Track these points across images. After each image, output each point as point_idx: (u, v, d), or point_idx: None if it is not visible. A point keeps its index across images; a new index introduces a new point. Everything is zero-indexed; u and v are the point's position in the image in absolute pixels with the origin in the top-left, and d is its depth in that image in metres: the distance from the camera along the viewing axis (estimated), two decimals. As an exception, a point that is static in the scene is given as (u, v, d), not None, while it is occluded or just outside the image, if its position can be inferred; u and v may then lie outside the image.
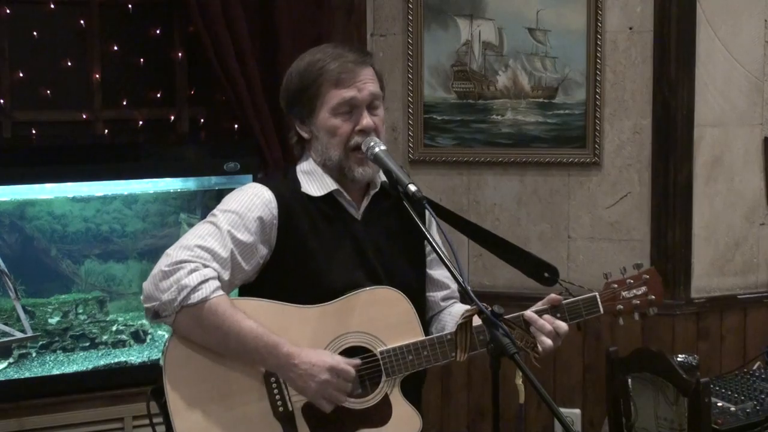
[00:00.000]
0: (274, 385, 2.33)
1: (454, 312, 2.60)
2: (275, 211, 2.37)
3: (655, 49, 3.70)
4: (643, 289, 2.51)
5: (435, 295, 2.61)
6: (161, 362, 2.32)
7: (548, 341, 2.38)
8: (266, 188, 2.40)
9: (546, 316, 2.41)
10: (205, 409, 2.29)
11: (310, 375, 2.27)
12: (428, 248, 2.58)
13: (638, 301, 2.51)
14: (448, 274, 2.59)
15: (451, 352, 2.38)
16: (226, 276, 2.31)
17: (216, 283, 2.27)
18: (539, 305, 2.46)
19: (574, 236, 3.85)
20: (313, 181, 2.45)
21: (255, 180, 2.48)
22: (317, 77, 2.39)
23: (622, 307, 2.50)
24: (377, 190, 2.50)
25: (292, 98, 2.45)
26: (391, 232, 2.50)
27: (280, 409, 2.32)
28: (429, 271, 2.59)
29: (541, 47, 3.80)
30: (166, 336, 2.36)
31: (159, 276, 2.26)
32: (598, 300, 2.49)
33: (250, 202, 2.37)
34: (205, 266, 2.27)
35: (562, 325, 2.41)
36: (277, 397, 2.32)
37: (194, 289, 2.24)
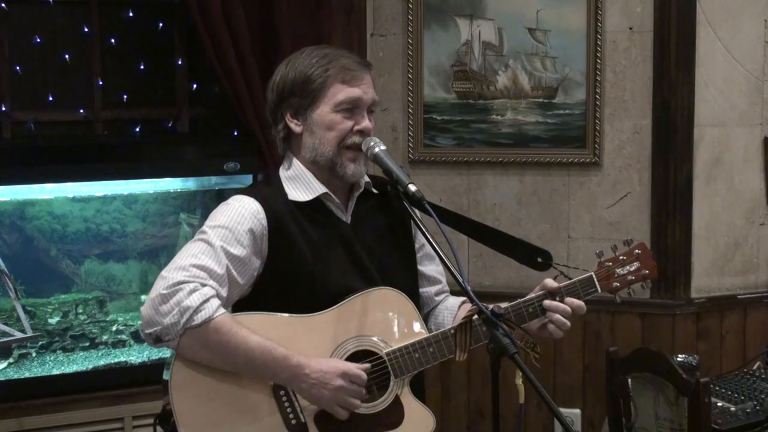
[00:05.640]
0: (284, 398, 2.30)
1: (449, 305, 2.61)
2: (264, 222, 2.34)
3: (655, 49, 3.70)
4: (636, 264, 2.52)
5: (428, 291, 2.61)
6: (165, 378, 2.27)
7: (567, 323, 2.41)
8: (252, 199, 2.36)
9: (568, 299, 2.42)
10: (217, 430, 2.26)
11: (323, 383, 2.26)
12: (417, 245, 2.58)
13: (633, 277, 2.51)
14: (439, 268, 2.62)
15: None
16: (224, 293, 2.28)
17: (217, 302, 2.24)
18: (536, 292, 2.46)
19: (574, 236, 3.84)
20: (299, 186, 2.41)
21: (240, 192, 2.43)
22: (326, 70, 2.37)
23: (618, 284, 2.51)
24: (361, 190, 2.48)
25: (291, 89, 2.39)
26: (380, 232, 2.49)
27: (293, 421, 2.30)
28: (420, 268, 2.59)
29: (541, 47, 3.79)
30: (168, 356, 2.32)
31: (158, 300, 2.21)
32: (595, 279, 2.49)
33: (239, 215, 2.33)
34: (204, 285, 2.23)
35: (581, 303, 2.43)
36: (288, 410, 2.30)
37: (196, 310, 2.20)
